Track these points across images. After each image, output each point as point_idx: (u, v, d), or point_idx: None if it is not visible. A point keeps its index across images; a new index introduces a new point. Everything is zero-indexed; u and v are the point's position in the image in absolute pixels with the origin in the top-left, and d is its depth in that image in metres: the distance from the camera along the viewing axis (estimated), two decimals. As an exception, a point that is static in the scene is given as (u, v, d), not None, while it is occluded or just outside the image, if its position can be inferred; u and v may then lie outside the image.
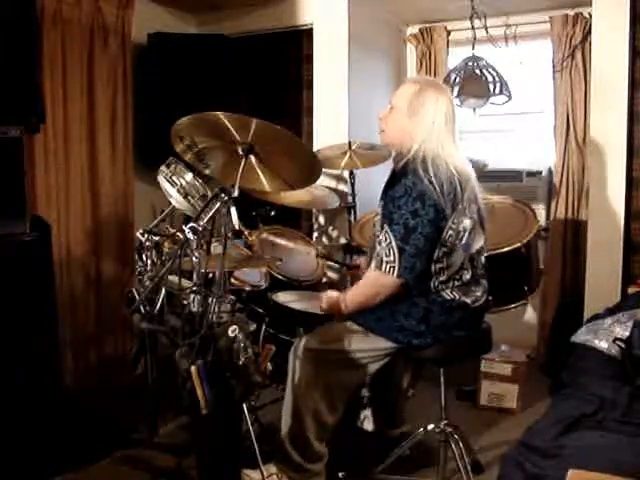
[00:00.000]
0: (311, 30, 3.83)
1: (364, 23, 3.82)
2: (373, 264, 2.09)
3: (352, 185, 3.59)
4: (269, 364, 2.03)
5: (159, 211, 2.75)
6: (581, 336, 2.82)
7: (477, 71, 3.35)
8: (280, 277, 2.87)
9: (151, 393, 2.56)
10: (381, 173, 3.50)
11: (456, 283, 2.10)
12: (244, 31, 4.10)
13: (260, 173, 2.05)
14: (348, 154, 3.35)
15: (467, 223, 2.07)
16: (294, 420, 2.14)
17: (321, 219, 3.94)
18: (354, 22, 3.68)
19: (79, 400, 2.74)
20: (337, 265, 2.66)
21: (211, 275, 2.12)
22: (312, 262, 3.18)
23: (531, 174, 3.93)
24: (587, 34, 3.56)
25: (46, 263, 2.29)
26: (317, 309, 2.31)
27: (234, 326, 1.87)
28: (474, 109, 3.54)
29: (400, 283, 2.02)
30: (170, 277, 2.12)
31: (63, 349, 2.87)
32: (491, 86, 3.34)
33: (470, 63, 3.38)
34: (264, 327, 2.64)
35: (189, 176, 2.34)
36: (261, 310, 2.70)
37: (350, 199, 3.63)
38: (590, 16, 3.42)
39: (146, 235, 2.33)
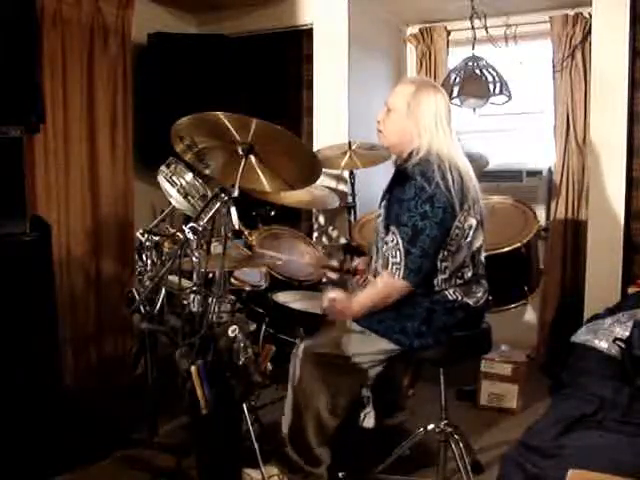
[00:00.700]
0: (311, 30, 3.83)
1: (364, 23, 3.82)
2: (380, 263, 2.09)
3: (352, 185, 3.59)
4: (269, 364, 2.03)
5: (159, 211, 2.75)
6: (581, 336, 2.82)
7: (477, 71, 3.35)
8: (280, 277, 2.87)
9: (151, 393, 2.55)
10: (381, 173, 3.50)
11: (458, 281, 2.10)
12: (244, 31, 4.10)
13: (260, 173, 2.05)
14: (348, 154, 3.35)
15: (472, 222, 2.07)
16: (295, 423, 2.14)
17: (321, 219, 3.94)
18: (354, 22, 3.68)
19: (79, 400, 2.74)
20: (339, 272, 2.67)
21: (211, 275, 2.12)
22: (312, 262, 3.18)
23: (531, 174, 3.93)
24: (587, 34, 3.56)
25: (46, 263, 2.29)
26: (318, 307, 2.30)
27: (234, 326, 1.88)
28: (474, 109, 3.54)
29: (407, 285, 2.01)
30: (170, 277, 2.12)
31: (63, 349, 2.87)
32: (491, 86, 3.34)
33: (470, 63, 3.38)
34: (264, 327, 2.64)
35: (189, 176, 2.34)
36: (261, 310, 2.70)
37: (350, 199, 3.63)
38: (590, 16, 3.42)
39: (146, 235, 2.33)
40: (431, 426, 2.26)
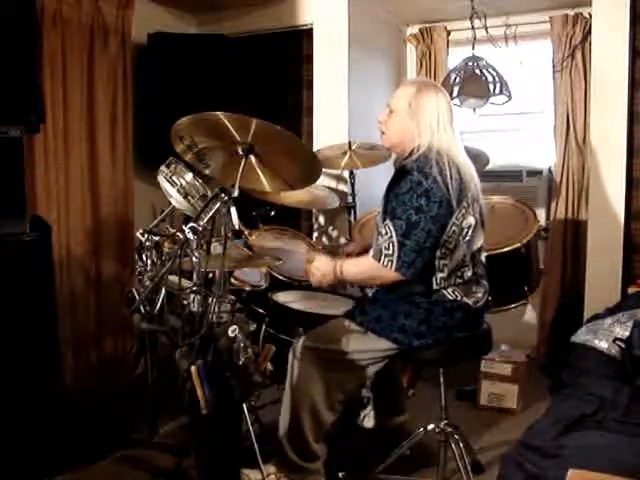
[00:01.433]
0: (311, 30, 3.83)
1: (364, 23, 3.82)
2: (371, 252, 2.09)
3: (352, 185, 3.59)
4: (269, 364, 2.03)
5: (159, 211, 2.74)
6: (581, 336, 2.82)
7: (477, 71, 3.35)
8: (280, 277, 2.87)
9: (151, 393, 2.56)
10: (381, 173, 3.51)
11: (457, 281, 2.10)
12: (244, 31, 4.10)
13: (260, 173, 2.05)
14: (348, 154, 3.35)
15: (471, 220, 2.07)
16: (292, 419, 2.14)
17: (321, 219, 3.94)
18: (354, 22, 3.68)
19: (79, 400, 2.74)
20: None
21: (211, 275, 2.12)
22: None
23: (531, 174, 3.93)
24: (587, 34, 3.56)
25: (46, 263, 2.29)
26: (318, 309, 2.30)
27: (234, 326, 1.87)
28: (474, 109, 3.54)
29: (398, 277, 2.02)
30: (170, 277, 2.12)
31: (63, 349, 2.87)
32: (491, 86, 3.34)
33: (470, 63, 3.38)
34: (264, 327, 2.64)
35: (189, 176, 2.33)
36: (261, 310, 2.70)
37: (350, 199, 3.63)
38: (590, 16, 3.42)
39: (146, 235, 2.33)
40: (431, 426, 2.26)
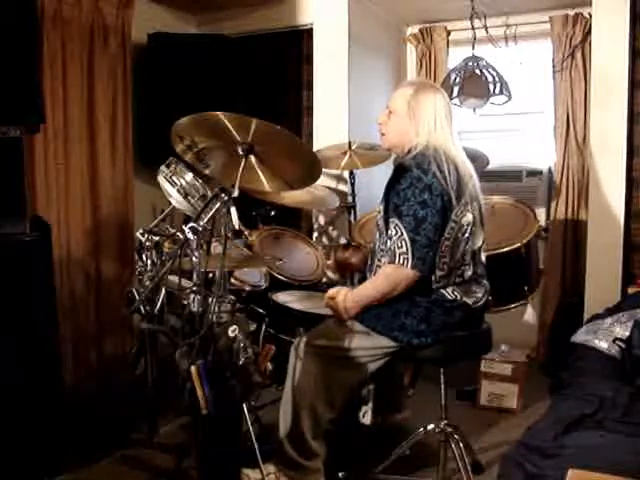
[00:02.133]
0: (311, 30, 3.83)
1: (364, 23, 3.82)
2: (386, 259, 2.09)
3: (352, 185, 3.59)
4: (269, 364, 2.03)
5: (159, 211, 2.75)
6: (581, 336, 2.82)
7: (477, 71, 3.35)
8: (280, 277, 2.87)
9: (151, 393, 2.55)
10: (381, 173, 3.50)
11: (457, 280, 2.10)
12: (244, 31, 4.10)
13: (260, 173, 2.05)
14: (348, 154, 3.35)
15: (469, 217, 2.09)
16: (292, 416, 2.14)
17: (321, 219, 3.94)
18: (354, 22, 3.68)
19: (79, 400, 2.74)
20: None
21: (211, 275, 2.12)
22: (312, 262, 3.18)
23: (531, 174, 3.93)
24: (587, 34, 3.56)
25: (46, 263, 2.29)
26: (318, 307, 2.30)
27: (234, 326, 1.88)
28: (474, 109, 3.54)
29: (416, 275, 2.01)
30: (170, 277, 2.12)
31: (63, 349, 2.87)
32: (491, 86, 3.34)
33: (470, 63, 3.38)
34: (264, 327, 2.64)
35: (189, 176, 2.33)
36: (261, 310, 2.70)
37: (350, 199, 3.63)
38: (590, 16, 3.42)
39: (146, 235, 2.33)
40: (431, 426, 2.26)
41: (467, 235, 2.09)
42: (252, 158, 1.95)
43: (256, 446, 2.12)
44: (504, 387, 3.09)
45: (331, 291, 2.20)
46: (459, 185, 2.05)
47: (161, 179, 2.38)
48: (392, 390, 2.60)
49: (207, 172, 2.09)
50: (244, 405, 2.14)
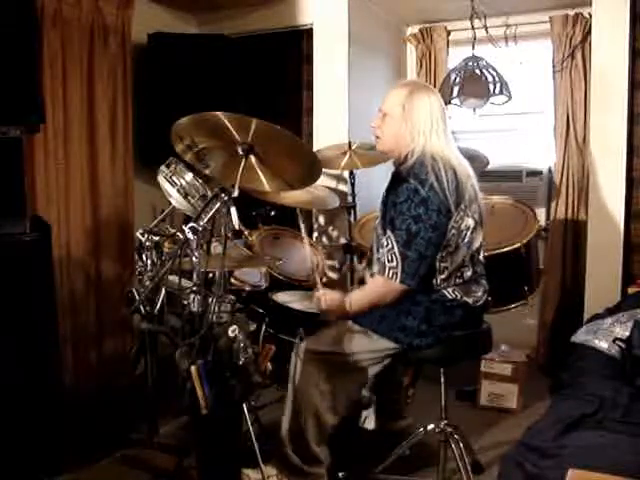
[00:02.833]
0: (311, 30, 3.82)
1: (364, 23, 3.82)
2: (376, 268, 2.09)
3: (352, 185, 3.59)
4: (269, 364, 2.03)
5: (159, 211, 2.75)
6: (581, 336, 2.81)
7: (477, 71, 3.35)
8: (280, 277, 2.86)
9: (151, 393, 2.55)
10: (381, 173, 3.50)
11: (457, 281, 2.11)
12: (244, 31, 4.10)
13: (260, 173, 2.05)
14: (348, 154, 3.35)
15: (469, 222, 2.08)
16: (294, 422, 2.14)
17: (321, 219, 3.94)
18: (354, 22, 3.68)
19: (79, 400, 2.74)
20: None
21: (211, 275, 2.12)
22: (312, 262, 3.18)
23: (531, 174, 3.93)
24: (587, 34, 3.56)
25: (46, 263, 2.29)
26: (314, 307, 2.30)
27: (234, 326, 1.88)
28: (474, 109, 3.54)
29: (405, 289, 2.02)
30: (170, 277, 2.12)
31: (63, 349, 2.87)
32: (491, 86, 3.34)
33: (470, 63, 3.38)
34: (264, 327, 2.64)
35: (189, 176, 2.34)
36: (261, 310, 2.70)
37: (350, 199, 3.63)
38: (590, 16, 3.42)
39: (146, 235, 2.33)
40: (431, 426, 2.26)
41: (467, 239, 2.09)
42: (252, 158, 1.95)
43: (256, 446, 2.12)
44: (504, 387, 3.09)
45: (330, 295, 2.18)
46: (458, 191, 2.04)
47: (161, 179, 2.39)
48: (392, 395, 2.60)
49: (207, 172, 2.09)
50: (244, 405, 2.14)
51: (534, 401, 3.10)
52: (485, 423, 2.91)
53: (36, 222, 2.35)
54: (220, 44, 3.89)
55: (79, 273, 3.15)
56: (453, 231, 2.04)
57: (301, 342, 2.19)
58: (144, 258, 2.33)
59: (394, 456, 2.31)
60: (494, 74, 3.35)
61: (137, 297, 2.13)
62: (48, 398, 2.25)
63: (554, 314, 3.73)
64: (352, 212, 3.60)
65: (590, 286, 3.32)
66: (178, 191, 2.34)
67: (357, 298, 2.13)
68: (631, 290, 3.16)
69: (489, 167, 3.45)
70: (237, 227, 1.90)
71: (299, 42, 4.10)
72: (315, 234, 3.91)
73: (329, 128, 3.75)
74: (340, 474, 2.30)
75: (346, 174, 3.69)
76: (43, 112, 2.70)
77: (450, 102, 3.36)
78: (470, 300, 2.12)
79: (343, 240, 3.72)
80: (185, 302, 1.94)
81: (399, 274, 1.99)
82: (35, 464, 2.19)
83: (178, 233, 2.33)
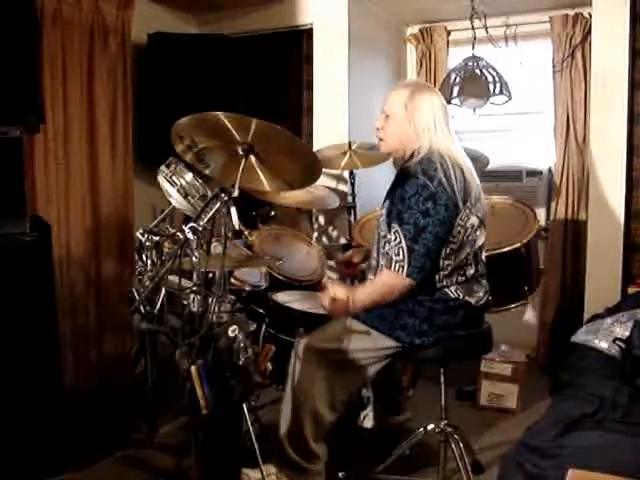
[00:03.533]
0: (311, 30, 3.83)
1: (364, 23, 3.82)
2: (383, 262, 2.09)
3: (352, 185, 3.59)
4: (269, 364, 2.03)
5: (159, 211, 2.75)
6: (581, 336, 2.81)
7: (477, 71, 3.35)
8: (280, 277, 2.87)
9: (151, 393, 2.56)
10: (381, 173, 3.51)
11: (460, 279, 2.11)
12: (244, 31, 4.10)
13: (260, 173, 2.05)
14: (348, 154, 3.35)
15: (474, 220, 2.09)
16: (293, 419, 2.14)
17: (321, 219, 3.94)
18: (354, 22, 3.68)
19: (79, 400, 2.74)
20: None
21: (211, 275, 2.12)
22: (312, 262, 3.18)
23: (531, 174, 3.93)
24: (587, 34, 3.56)
25: (46, 263, 2.29)
26: (319, 307, 2.30)
27: (234, 326, 1.88)
28: (474, 109, 3.54)
29: (411, 283, 2.02)
30: (170, 277, 2.12)
31: (63, 349, 2.87)
32: (491, 86, 3.34)
33: (470, 63, 3.38)
34: (264, 327, 2.64)
35: (189, 176, 2.34)
36: (261, 310, 2.70)
37: (350, 199, 3.63)
38: (590, 16, 3.42)
39: (146, 235, 2.33)
40: (431, 426, 2.26)
41: (471, 237, 2.10)
42: (252, 158, 1.95)
43: (256, 446, 2.12)
44: (504, 387, 3.09)
45: (333, 291, 2.15)
46: (465, 189, 2.05)
47: (161, 179, 2.39)
48: (392, 394, 2.60)
49: (207, 172, 2.09)
50: (244, 405, 2.14)
51: (534, 401, 3.10)
52: (485, 423, 2.91)
53: (36, 222, 2.34)
54: (220, 44, 3.89)
55: (79, 273, 3.15)
56: (459, 228, 2.05)
57: (299, 340, 2.19)
58: (144, 258, 2.33)
59: (394, 456, 2.31)
60: (494, 74, 3.35)
61: (137, 297, 2.13)
62: (48, 398, 2.24)
63: (554, 314, 3.73)
64: (352, 212, 3.60)
65: (590, 286, 3.32)
66: (178, 191, 2.34)
67: (362, 295, 2.10)
68: (631, 290, 3.16)
69: (489, 167, 3.45)
70: (237, 227, 1.90)
71: (299, 42, 4.10)
72: (315, 234, 3.91)
73: (329, 128, 3.76)
74: (340, 474, 2.30)
75: (346, 174, 3.69)
76: (43, 112, 2.69)
77: (450, 102, 3.36)
78: (472, 300, 2.12)
79: (343, 240, 3.72)
80: (185, 302, 1.94)
81: (405, 267, 1.99)
82: (35, 464, 2.18)
83: (178, 233, 2.33)
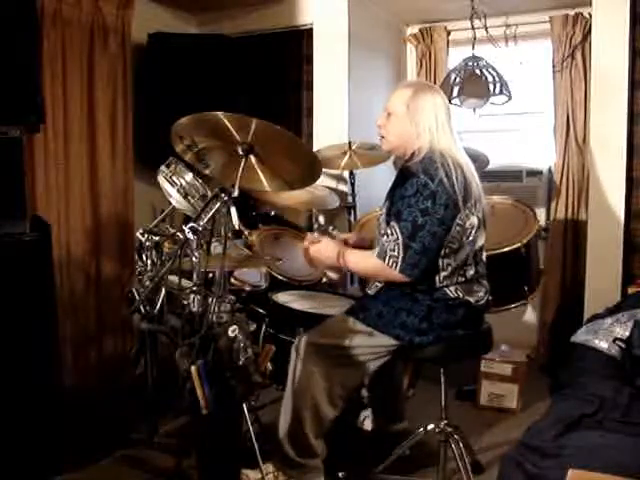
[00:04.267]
0: (311, 30, 3.82)
1: (364, 23, 3.82)
2: (376, 250, 2.09)
3: (352, 185, 3.59)
4: (269, 364, 2.03)
5: (159, 211, 2.75)
6: (581, 336, 2.81)
7: (477, 71, 3.35)
8: (280, 277, 2.87)
9: (151, 393, 2.55)
10: (381, 173, 3.51)
11: (460, 279, 2.11)
12: (244, 31, 4.10)
13: (260, 173, 2.05)
14: (348, 154, 3.35)
15: (474, 221, 2.09)
16: (292, 415, 2.14)
17: (321, 219, 3.94)
18: (354, 22, 3.68)
19: (79, 400, 2.74)
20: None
21: (211, 275, 2.12)
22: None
23: (531, 174, 3.93)
24: (587, 34, 3.56)
25: (46, 263, 2.29)
26: (319, 307, 2.31)
27: (234, 326, 1.88)
28: (474, 109, 3.54)
29: (401, 279, 2.02)
30: (170, 277, 2.12)
31: (63, 349, 2.87)
32: (491, 86, 3.34)
33: (470, 63, 3.38)
34: (264, 327, 2.64)
35: (189, 176, 2.34)
36: (261, 310, 2.70)
37: (350, 199, 3.63)
38: (590, 16, 3.42)
39: (146, 235, 2.33)
40: (431, 426, 2.25)
41: (471, 238, 2.10)
42: (252, 158, 1.95)
43: (256, 446, 2.12)
44: (504, 387, 3.09)
45: (319, 244, 2.24)
46: (465, 189, 2.05)
47: (161, 179, 2.39)
48: (391, 401, 2.60)
49: (207, 172, 2.09)
50: (244, 405, 2.14)
51: (534, 401, 3.10)
52: (485, 423, 2.91)
53: (36, 222, 2.34)
54: (220, 44, 3.89)
55: (79, 273, 3.15)
56: (458, 228, 2.05)
57: (300, 338, 2.19)
58: (144, 258, 2.33)
59: (394, 456, 2.31)
60: (494, 74, 3.35)
61: (137, 297, 2.13)
62: (48, 398, 2.25)
63: (554, 314, 3.73)
64: (352, 212, 3.60)
65: (590, 286, 3.32)
66: (178, 191, 2.34)
67: (353, 258, 2.16)
68: (631, 290, 3.16)
69: (489, 167, 3.45)
70: (237, 227, 1.90)
71: (299, 42, 4.10)
72: (315, 234, 3.91)
73: (329, 128, 3.76)
74: (340, 474, 2.30)
75: (346, 174, 3.69)
76: (43, 112, 2.69)
77: (450, 102, 3.35)
78: (472, 299, 2.12)
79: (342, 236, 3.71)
80: (185, 302, 1.94)
81: (399, 264, 1.99)
82: (35, 464, 2.18)
83: (178, 233, 2.33)
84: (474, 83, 3.36)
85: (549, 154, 3.89)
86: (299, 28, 4.01)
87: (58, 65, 3.01)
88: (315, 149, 3.53)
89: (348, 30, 3.66)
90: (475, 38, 3.50)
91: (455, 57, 3.98)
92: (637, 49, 3.30)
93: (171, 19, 4.11)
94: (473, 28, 3.49)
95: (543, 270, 3.41)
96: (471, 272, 2.13)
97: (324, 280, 3.10)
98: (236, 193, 1.85)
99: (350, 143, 3.37)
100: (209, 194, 2.23)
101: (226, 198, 1.84)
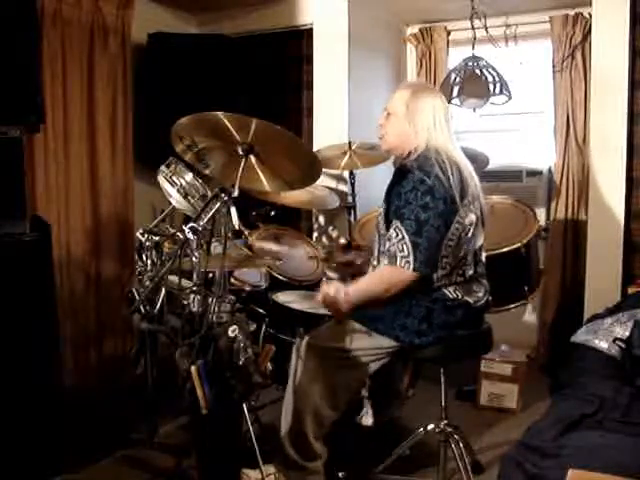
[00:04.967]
0: (311, 30, 3.83)
1: (364, 23, 3.82)
2: (385, 260, 2.08)
3: (352, 185, 3.59)
4: (269, 364, 2.03)
5: (159, 211, 2.75)
6: (581, 336, 2.82)
7: (477, 71, 3.35)
8: (280, 277, 2.87)
9: (151, 393, 2.55)
10: (381, 173, 3.50)
11: (458, 279, 2.11)
12: (244, 31, 4.10)
13: (260, 173, 2.05)
14: (348, 154, 3.35)
15: (472, 217, 2.09)
16: (294, 417, 2.14)
17: (321, 219, 3.94)
18: (354, 22, 3.68)
19: (79, 400, 2.74)
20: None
21: (211, 275, 2.12)
22: (312, 262, 3.18)
23: (531, 174, 3.93)
24: (587, 34, 3.56)
25: (46, 263, 2.29)
26: (318, 307, 2.30)
27: (234, 326, 1.88)
28: (474, 109, 3.54)
29: (417, 277, 2.01)
30: (170, 277, 2.12)
31: (63, 349, 2.87)
32: (491, 86, 3.34)
33: (470, 63, 3.38)
34: (264, 327, 2.64)
35: (189, 176, 2.34)
36: (261, 310, 2.70)
37: (350, 199, 3.63)
38: (590, 16, 3.42)
39: (146, 235, 2.33)
40: (431, 426, 2.26)
41: (470, 235, 2.10)
42: (252, 158, 1.95)
43: (256, 446, 2.12)
44: (504, 387, 3.09)
45: (327, 289, 2.13)
46: (462, 186, 2.06)
47: (161, 179, 2.39)
48: (390, 394, 2.60)
49: (207, 172, 2.09)
50: (244, 405, 2.14)
51: (534, 401, 3.10)
52: (485, 423, 2.91)
53: (36, 222, 2.34)
54: (220, 44, 3.89)
55: (79, 273, 3.15)
56: (457, 225, 2.05)
57: (300, 340, 2.19)
58: (144, 258, 2.33)
59: (394, 456, 2.31)
60: (494, 74, 3.35)
61: (137, 297, 2.13)
62: (48, 398, 2.25)
63: (554, 314, 3.73)
64: (352, 212, 3.60)
65: (590, 286, 3.32)
66: (178, 191, 2.34)
67: (356, 292, 2.07)
68: (631, 290, 3.16)
69: (489, 167, 3.45)
70: (237, 227, 1.90)
71: (299, 42, 4.10)
72: (315, 234, 3.91)
73: (329, 128, 3.76)
74: (340, 474, 2.30)
75: (346, 174, 3.69)
76: (43, 112, 2.68)
77: (450, 102, 3.36)
78: (471, 300, 2.12)
79: (343, 240, 3.72)
80: (185, 302, 1.94)
81: (412, 262, 1.99)
82: (35, 464, 2.18)
83: (178, 233, 2.33)
84: (474, 83, 3.35)
85: (549, 154, 3.89)
86: (299, 28, 4.01)
87: (58, 65, 3.01)
88: (315, 149, 3.53)
89: (348, 30, 3.66)
90: (475, 38, 3.50)
91: (455, 57, 3.98)
92: (637, 49, 3.30)
93: (171, 19, 4.11)
94: (473, 28, 3.49)
95: (543, 270, 3.41)
96: (470, 272, 2.13)
97: (324, 280, 3.10)
98: (236, 193, 1.85)
99: (350, 143, 3.37)
100: (209, 194, 2.23)
101: (226, 198, 1.84)
